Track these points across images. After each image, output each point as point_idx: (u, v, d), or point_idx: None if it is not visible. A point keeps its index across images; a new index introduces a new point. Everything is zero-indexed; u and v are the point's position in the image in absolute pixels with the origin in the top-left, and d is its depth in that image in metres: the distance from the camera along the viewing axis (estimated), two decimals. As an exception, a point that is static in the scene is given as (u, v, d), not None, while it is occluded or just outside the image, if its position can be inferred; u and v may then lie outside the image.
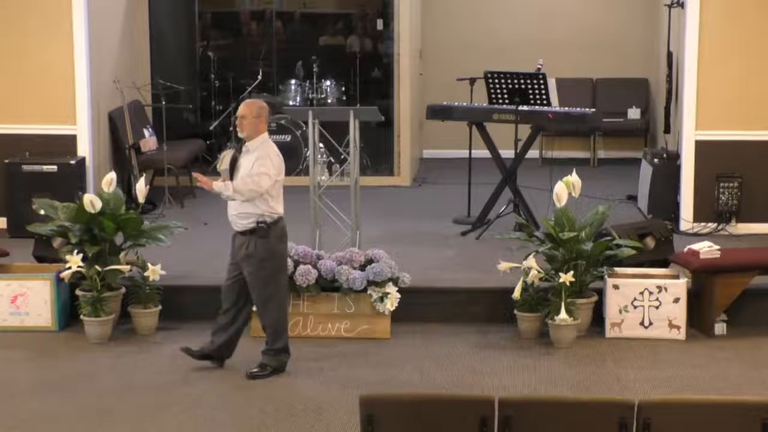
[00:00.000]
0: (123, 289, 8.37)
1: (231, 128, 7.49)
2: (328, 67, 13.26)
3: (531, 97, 10.08)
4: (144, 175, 9.73)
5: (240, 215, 7.43)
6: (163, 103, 11.22)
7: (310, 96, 12.87)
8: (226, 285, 7.58)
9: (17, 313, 8.34)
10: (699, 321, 8.22)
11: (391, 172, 12.50)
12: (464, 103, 10.72)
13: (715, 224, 10.00)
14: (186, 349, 7.61)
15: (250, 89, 12.90)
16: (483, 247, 9.57)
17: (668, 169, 10.33)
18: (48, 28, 10.11)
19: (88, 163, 10.26)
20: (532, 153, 12.08)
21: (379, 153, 12.63)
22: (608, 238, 8.28)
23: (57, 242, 8.43)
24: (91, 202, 8.18)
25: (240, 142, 7.72)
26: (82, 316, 8.13)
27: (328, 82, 13.00)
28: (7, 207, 10.10)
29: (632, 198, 11.19)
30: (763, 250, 8.79)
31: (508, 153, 10.33)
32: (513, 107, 10.05)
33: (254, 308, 7.62)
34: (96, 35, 10.43)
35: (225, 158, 7.51)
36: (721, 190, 9.93)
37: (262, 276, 7.44)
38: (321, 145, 9.42)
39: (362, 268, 8.22)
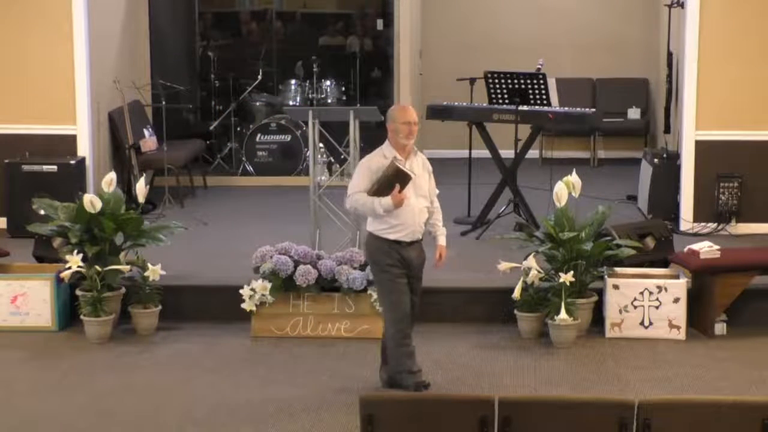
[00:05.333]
0: (123, 289, 8.36)
1: (408, 138, 7.10)
2: (328, 67, 13.26)
3: (531, 97, 10.07)
4: (144, 175, 9.73)
5: (423, 220, 7.21)
6: (163, 103, 11.21)
7: (310, 96, 12.86)
8: (408, 307, 7.08)
9: (17, 313, 8.34)
10: (699, 321, 8.22)
11: (391, 172, 12.45)
12: (464, 103, 10.71)
13: (715, 224, 10.00)
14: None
15: (250, 89, 12.91)
16: (483, 247, 9.56)
17: (668, 169, 10.33)
18: (48, 28, 10.10)
19: (88, 163, 10.25)
20: (532, 153, 12.07)
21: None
22: (608, 238, 8.28)
23: (57, 242, 8.42)
24: (91, 202, 8.18)
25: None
26: (82, 316, 8.12)
27: (328, 82, 12.99)
28: (7, 207, 10.09)
29: (632, 198, 11.18)
30: (763, 250, 8.79)
31: (508, 153, 10.32)
32: (513, 107, 10.04)
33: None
34: (96, 35, 10.43)
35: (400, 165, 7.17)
36: (721, 190, 9.93)
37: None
38: (321, 145, 9.40)
39: (362, 268, 8.21)
